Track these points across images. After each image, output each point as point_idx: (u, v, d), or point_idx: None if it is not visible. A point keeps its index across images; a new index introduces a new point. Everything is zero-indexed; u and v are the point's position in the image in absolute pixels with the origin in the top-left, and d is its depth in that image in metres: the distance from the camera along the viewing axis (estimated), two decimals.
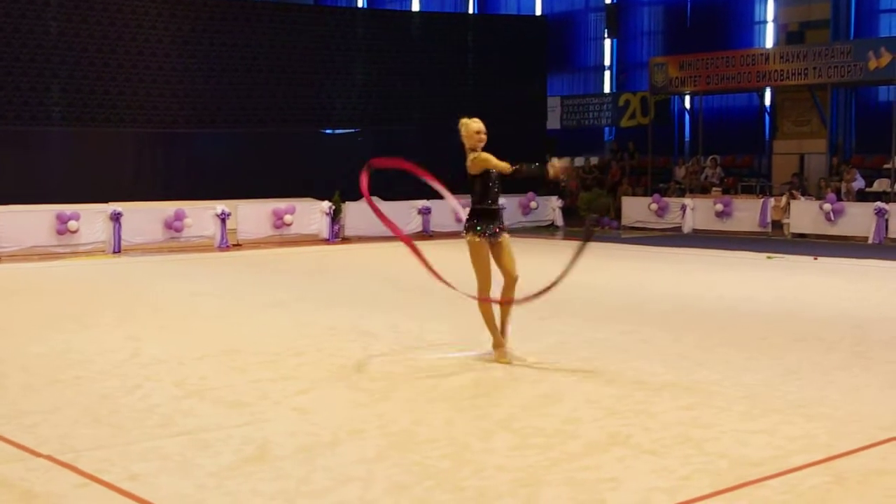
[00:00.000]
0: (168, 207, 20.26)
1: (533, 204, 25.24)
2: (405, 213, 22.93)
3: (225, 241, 20.23)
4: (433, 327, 10.22)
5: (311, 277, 15.21)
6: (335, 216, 21.75)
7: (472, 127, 8.53)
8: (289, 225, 21.41)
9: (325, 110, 26.29)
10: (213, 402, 7.01)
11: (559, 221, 25.37)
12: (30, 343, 9.35)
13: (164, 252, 19.21)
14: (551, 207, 25.57)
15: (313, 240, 21.41)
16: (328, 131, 26.92)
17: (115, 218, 19.02)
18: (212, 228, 20.30)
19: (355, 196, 23.83)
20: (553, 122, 31.08)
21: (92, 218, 19.09)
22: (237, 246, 20.41)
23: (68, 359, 8.57)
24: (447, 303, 12.02)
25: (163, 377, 7.80)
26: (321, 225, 21.70)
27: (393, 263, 16.94)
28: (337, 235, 21.79)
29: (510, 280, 8.50)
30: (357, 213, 22.01)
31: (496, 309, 8.57)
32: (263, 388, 7.42)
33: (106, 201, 20.20)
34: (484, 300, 8.43)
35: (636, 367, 8.19)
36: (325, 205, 21.67)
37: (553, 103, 31.11)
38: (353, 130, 27.01)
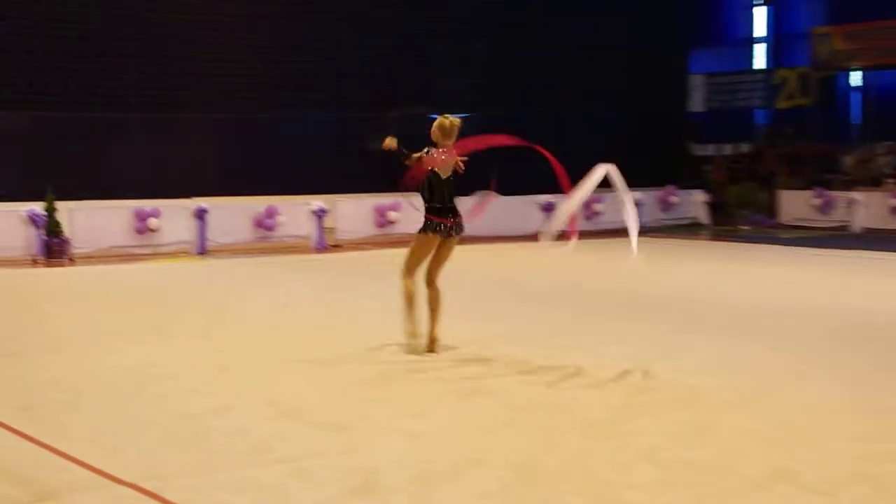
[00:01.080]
0: (258, 204, 20.57)
1: (673, 199, 24.95)
2: (524, 210, 22.86)
3: (322, 241, 20.45)
4: (563, 342, 10.13)
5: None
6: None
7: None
8: (394, 223, 21.54)
9: (435, 92, 26.37)
10: (311, 425, 7.05)
11: (704, 219, 25.02)
12: (107, 355, 9.56)
13: (254, 254, 19.52)
14: (694, 203, 25.24)
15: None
16: (434, 116, 27.00)
17: (200, 215, 19.39)
18: (307, 227, 20.55)
19: (467, 190, 23.98)
20: (696, 104, 30.69)
21: (174, 215, 19.50)
22: (336, 247, 20.62)
23: (150, 373, 8.73)
24: (575, 314, 11.94)
25: (254, 396, 7.89)
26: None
27: (515, 267, 16.91)
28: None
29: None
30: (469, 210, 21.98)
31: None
32: (369, 410, 7.44)
33: (189, 197, 20.60)
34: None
35: (800, 391, 7.98)
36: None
37: (696, 82, 30.72)
38: (465, 115, 27.00)
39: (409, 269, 9.82)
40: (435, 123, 9.65)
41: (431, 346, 9.56)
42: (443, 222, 9.58)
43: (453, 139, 9.59)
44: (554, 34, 27.19)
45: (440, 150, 9.55)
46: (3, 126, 22.09)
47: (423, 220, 9.70)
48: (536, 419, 7.21)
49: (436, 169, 9.50)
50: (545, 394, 7.95)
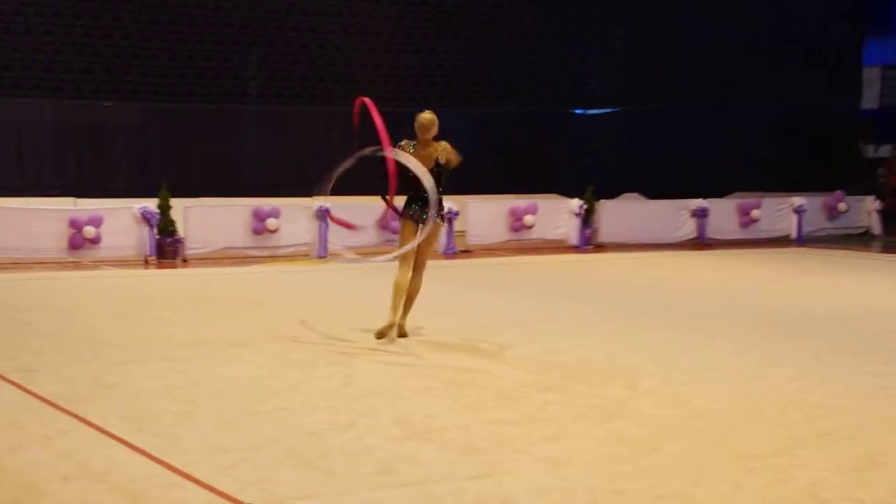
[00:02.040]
0: (382, 205, 20.67)
1: (841, 206, 24.47)
2: (674, 215, 22.70)
3: (451, 245, 20.57)
4: (712, 362, 10.04)
5: (556, 294, 15.25)
6: (587, 218, 21.75)
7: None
8: (529, 227, 21.58)
9: (577, 85, 26.36)
10: (441, 447, 7.12)
11: (876, 228, 24.49)
12: (224, 364, 9.78)
13: (378, 256, 19.64)
14: (866, 210, 24.72)
15: (559, 247, 21.50)
16: (579, 111, 26.98)
17: (323, 216, 19.64)
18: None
19: (612, 192, 24.04)
20: (870, 100, 30.08)
21: (294, 215, 19.81)
22: (466, 252, 20.72)
23: (268, 385, 8.91)
24: (729, 330, 11.80)
25: (380, 413, 7.99)
26: (569, 228, 21.76)
27: (659, 278, 16.78)
28: (589, 242, 21.79)
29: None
30: (615, 215, 22.01)
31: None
32: (502, 432, 7.48)
33: (311, 196, 20.90)
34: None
35: None
36: (575, 203, 21.71)
37: (870, 76, 30.08)
38: (610, 111, 26.96)
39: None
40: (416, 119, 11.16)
41: (401, 332, 11.15)
42: (413, 208, 11.05)
43: (430, 134, 11.07)
44: (701, 20, 26.94)
45: (408, 143, 11.08)
46: (117, 119, 22.75)
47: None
48: (684, 447, 7.16)
49: (402, 161, 10.82)
50: (694, 419, 7.89)
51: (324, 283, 16.59)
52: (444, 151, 11.10)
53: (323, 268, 18.58)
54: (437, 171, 10.95)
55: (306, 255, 19.65)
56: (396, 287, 11.04)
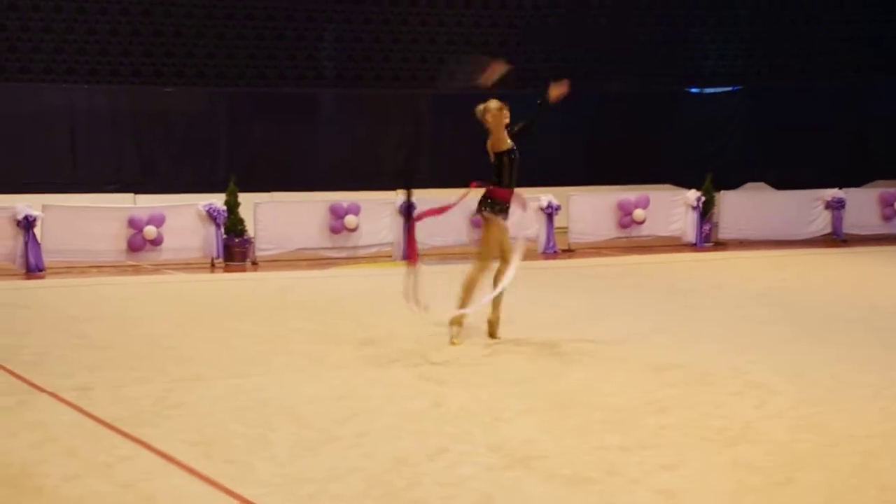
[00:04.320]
0: (471, 199, 20.71)
1: None
2: (805, 207, 22.44)
3: (552, 244, 20.53)
4: (853, 378, 9.90)
5: (671, 299, 15.16)
6: (705, 211, 21.59)
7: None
8: (640, 223, 21.47)
9: (694, 61, 26.17)
10: (544, 477, 7.09)
11: None
12: (302, 382, 9.85)
13: (469, 259, 19.67)
14: None
15: (674, 244, 21.37)
16: (695, 90, 26.79)
17: (407, 212, 19.68)
18: (533, 226, 20.65)
19: (734, 182, 23.81)
20: None
21: (377, 212, 19.86)
22: (568, 251, 20.68)
23: (348, 406, 8.95)
24: (872, 341, 11.64)
25: (475, 438, 7.98)
26: (685, 223, 21.61)
27: (788, 280, 16.59)
28: (708, 238, 21.64)
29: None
30: (737, 208, 21.84)
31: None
32: (612, 459, 7.44)
33: (394, 189, 20.95)
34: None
35: None
36: (692, 195, 21.56)
37: None
38: (731, 89, 26.74)
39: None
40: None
41: (491, 330, 12.00)
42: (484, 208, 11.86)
43: (490, 119, 11.62)
44: None
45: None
46: (179, 105, 22.98)
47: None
48: (821, 478, 7.06)
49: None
50: (833, 445, 7.78)
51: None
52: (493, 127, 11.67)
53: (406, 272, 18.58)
54: (498, 161, 11.68)
55: (389, 257, 19.70)
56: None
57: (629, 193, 21.77)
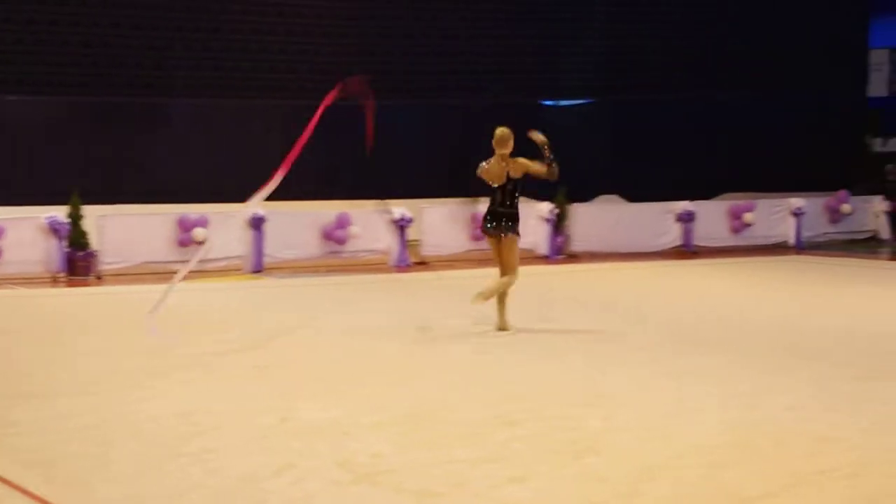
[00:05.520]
0: (328, 211, 20.74)
1: (845, 207, 24.65)
2: (657, 220, 22.81)
3: (405, 257, 20.57)
4: (699, 388, 10.10)
5: (522, 312, 15.24)
6: (558, 224, 21.81)
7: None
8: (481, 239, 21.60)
9: (548, 74, 26.43)
10: (391, 492, 7.11)
11: (884, 232, 24.70)
12: (145, 399, 9.73)
13: (322, 272, 19.69)
14: (873, 212, 24.92)
15: (528, 256, 21.45)
16: (550, 103, 27.05)
17: (256, 224, 19.60)
18: (387, 240, 20.68)
19: (587, 194, 24.07)
20: (878, 87, 30.31)
21: (225, 224, 19.71)
22: (421, 264, 20.72)
23: (193, 423, 8.87)
24: (718, 352, 11.86)
25: (322, 453, 7.97)
26: (538, 236, 21.78)
27: (640, 292, 16.84)
28: (560, 251, 21.85)
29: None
30: (590, 221, 22.10)
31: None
32: (460, 473, 7.48)
33: (244, 201, 20.84)
34: None
35: None
36: (545, 207, 21.75)
37: (879, 59, 30.32)
38: (585, 102, 27.06)
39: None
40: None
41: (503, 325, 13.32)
42: (488, 223, 13.40)
43: (506, 148, 13.15)
44: (696, 6, 27.11)
45: (491, 160, 13.32)
46: (20, 115, 22.55)
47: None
48: (668, 488, 7.18)
49: (482, 177, 13.41)
50: (680, 456, 7.91)
51: (259, 302, 16.55)
52: (518, 166, 13.11)
53: (258, 283, 18.54)
54: (511, 186, 13.18)
55: (239, 270, 19.58)
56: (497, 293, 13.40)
57: (483, 206, 21.84)
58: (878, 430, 8.69)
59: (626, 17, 26.84)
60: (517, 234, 13.31)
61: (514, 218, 13.29)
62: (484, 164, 13.37)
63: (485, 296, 13.22)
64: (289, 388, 10.21)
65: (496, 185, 13.27)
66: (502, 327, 13.29)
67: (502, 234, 13.25)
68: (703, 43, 27.16)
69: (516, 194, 13.27)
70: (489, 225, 13.39)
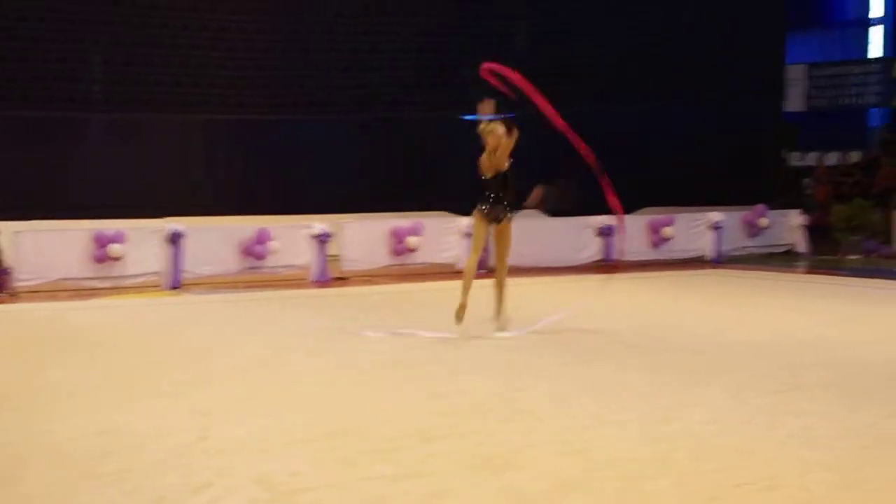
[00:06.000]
0: (247, 225, 20.68)
1: (763, 221, 24.92)
2: (577, 234, 22.96)
3: (325, 273, 20.54)
4: (618, 402, 10.16)
5: (445, 328, 15.27)
6: None
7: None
8: (413, 251, 21.62)
9: (463, 87, 26.48)
10: None
11: (801, 246, 24.98)
12: (58, 418, 9.63)
13: (241, 288, 19.63)
14: (790, 226, 25.20)
15: (447, 271, 21.57)
16: (469, 117, 27.10)
17: (174, 240, 19.50)
18: (307, 255, 20.65)
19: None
20: (794, 102, 30.72)
21: (143, 240, 19.63)
22: (341, 280, 20.71)
23: (110, 441, 8.80)
24: (637, 366, 11.95)
25: (240, 471, 7.94)
26: (460, 250, 21.83)
27: (560, 306, 16.91)
28: (482, 265, 21.84)
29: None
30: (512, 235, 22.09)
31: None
32: (379, 490, 7.48)
33: (162, 216, 20.74)
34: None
35: None
36: (465, 222, 21.79)
37: (795, 74, 30.76)
38: (504, 116, 27.11)
39: (473, 248, 14.59)
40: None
41: (501, 325, 14.36)
42: (486, 206, 14.20)
43: (489, 141, 14.14)
44: (606, 14, 27.28)
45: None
46: None
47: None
48: (583, 500, 7.22)
49: (481, 170, 14.25)
50: (597, 469, 7.96)
51: (178, 318, 16.45)
52: (501, 158, 14.16)
53: (176, 300, 18.44)
54: (502, 176, 14.16)
55: (157, 287, 19.47)
56: (467, 271, 14.29)
57: (403, 220, 21.90)
58: (795, 442, 8.78)
59: (549, 30, 26.98)
60: (510, 219, 14.36)
61: (510, 205, 14.25)
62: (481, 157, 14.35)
63: (500, 311, 14.51)
64: (207, 405, 10.15)
65: (489, 176, 14.22)
66: (503, 324, 14.44)
67: (501, 218, 14.25)
68: (623, 56, 27.36)
69: (507, 186, 14.22)
70: (485, 208, 14.21)
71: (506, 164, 14.18)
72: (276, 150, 24.85)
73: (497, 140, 14.16)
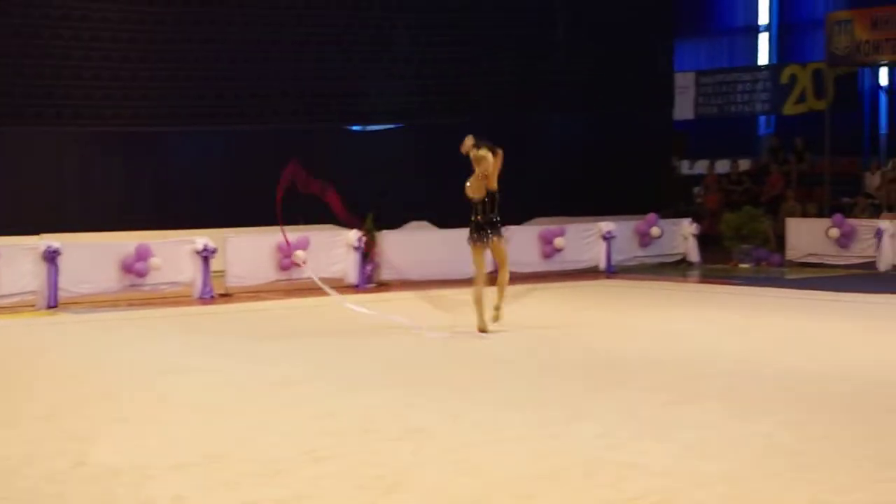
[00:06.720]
0: (127, 242, 20.44)
1: (654, 231, 25.12)
2: (466, 246, 22.90)
3: (208, 289, 20.37)
4: (508, 418, 10.18)
5: (333, 344, 15.24)
6: (367, 252, 21.81)
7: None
8: (300, 266, 21.49)
9: (354, 99, 26.44)
10: None
11: (693, 255, 25.23)
12: None
13: (121, 306, 19.39)
14: (682, 235, 25.43)
15: (337, 285, 21.46)
16: (356, 128, 27.10)
17: (50, 257, 19.21)
18: (189, 272, 20.45)
19: (397, 221, 24.09)
20: (683, 111, 31.03)
21: (16, 257, 19.29)
22: (225, 296, 20.54)
23: None
24: (526, 380, 11.98)
25: (121, 498, 7.84)
26: (346, 264, 21.77)
27: (448, 320, 16.93)
28: (370, 279, 21.85)
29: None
30: (400, 248, 22.12)
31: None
32: None
33: (37, 233, 20.44)
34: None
35: (816, 483, 8.05)
36: (353, 235, 21.75)
37: (684, 82, 31.06)
38: (392, 127, 27.15)
39: (475, 276, 15.61)
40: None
41: (496, 315, 15.46)
42: (473, 233, 15.44)
43: (481, 166, 15.29)
44: (491, 22, 27.39)
45: (471, 177, 15.44)
46: None
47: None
48: None
49: (468, 195, 15.36)
50: (488, 486, 7.96)
51: (53, 339, 16.21)
52: (492, 178, 15.32)
53: (52, 320, 18.16)
54: (489, 198, 15.27)
55: (33, 306, 19.17)
56: (475, 300, 15.39)
57: (288, 235, 21.73)
58: (688, 455, 8.84)
59: (430, 40, 26.97)
60: (500, 235, 15.51)
61: (494, 225, 15.37)
62: (467, 183, 15.44)
63: (500, 306, 15.50)
64: (83, 430, 9.99)
65: (477, 199, 15.33)
66: (498, 317, 15.47)
67: (487, 241, 15.40)
68: (487, 66, 27.41)
69: (495, 204, 15.36)
70: (475, 236, 15.45)
71: (495, 185, 15.33)
72: (155, 163, 24.60)
73: (487, 165, 15.22)
